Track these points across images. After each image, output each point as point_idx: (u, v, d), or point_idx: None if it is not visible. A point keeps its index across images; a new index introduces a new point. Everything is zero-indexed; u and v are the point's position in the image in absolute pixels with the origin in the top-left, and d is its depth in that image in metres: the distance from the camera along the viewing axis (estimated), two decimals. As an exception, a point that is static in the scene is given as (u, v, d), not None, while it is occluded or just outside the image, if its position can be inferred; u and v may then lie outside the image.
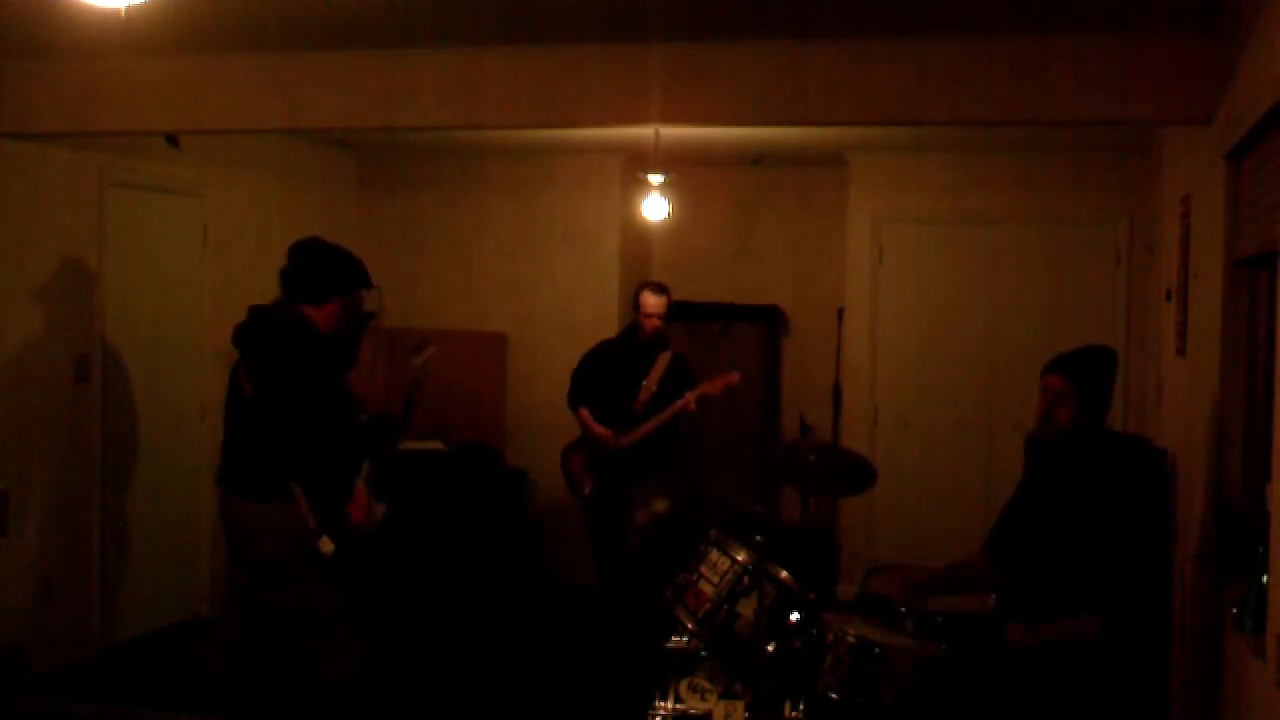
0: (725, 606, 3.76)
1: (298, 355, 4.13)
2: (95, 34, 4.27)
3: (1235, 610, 3.07)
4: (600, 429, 6.12)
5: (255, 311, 4.31)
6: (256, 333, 4.21)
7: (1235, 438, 3.69)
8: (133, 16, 2.88)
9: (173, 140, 6.03)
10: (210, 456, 6.46)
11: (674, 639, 4.01)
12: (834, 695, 3.58)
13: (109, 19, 3.06)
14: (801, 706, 3.64)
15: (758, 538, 3.81)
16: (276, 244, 6.13)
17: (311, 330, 4.22)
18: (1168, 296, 5.08)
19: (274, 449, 4.07)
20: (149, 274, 6.25)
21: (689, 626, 3.81)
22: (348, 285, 4.34)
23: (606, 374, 6.22)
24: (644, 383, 6.15)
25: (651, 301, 6.13)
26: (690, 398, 6.03)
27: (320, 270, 4.30)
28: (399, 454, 4.47)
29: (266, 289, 5.93)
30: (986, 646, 3.75)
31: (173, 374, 6.42)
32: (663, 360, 6.21)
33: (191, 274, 6.53)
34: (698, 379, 6.16)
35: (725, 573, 3.80)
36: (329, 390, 4.22)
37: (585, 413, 6.19)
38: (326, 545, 4.06)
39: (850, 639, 3.61)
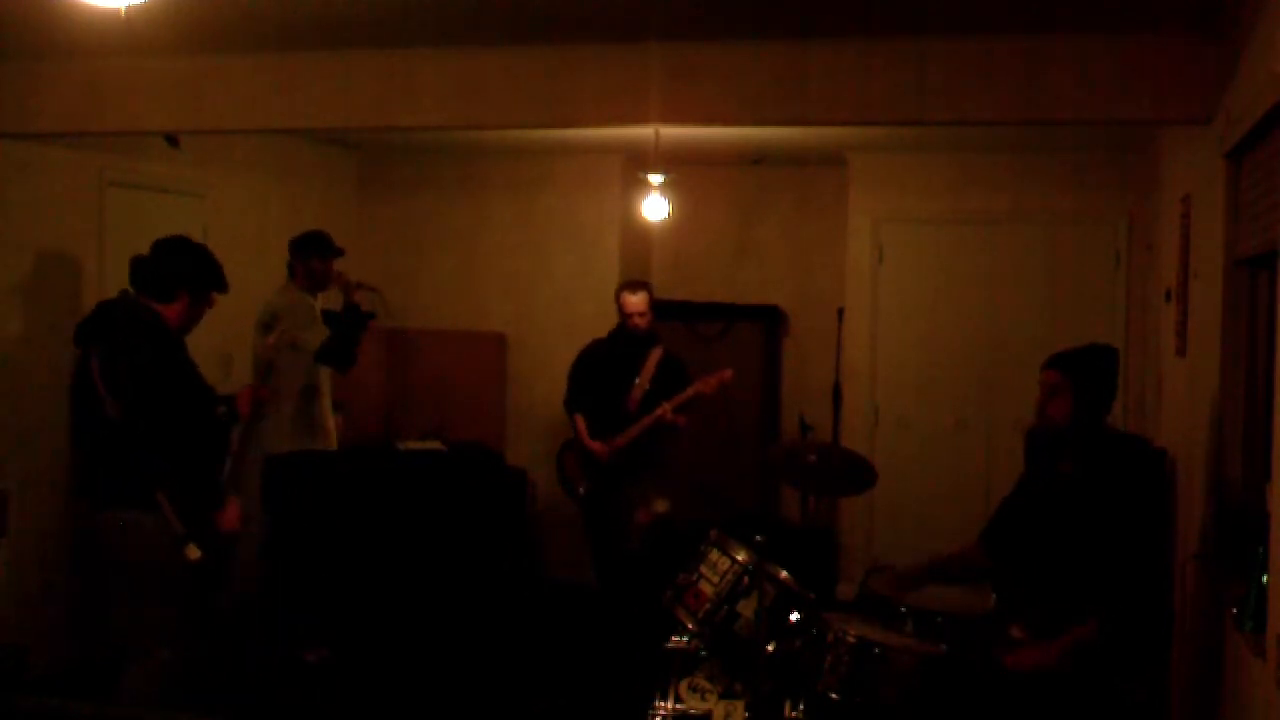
0: (725, 606, 3.76)
1: (150, 350, 4.02)
2: (95, 34, 4.27)
3: (1235, 610, 3.07)
4: (592, 444, 6.12)
5: (102, 307, 4.19)
6: (106, 329, 4.07)
7: (1235, 438, 3.69)
8: (133, 16, 2.88)
9: (173, 140, 6.03)
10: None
11: (674, 639, 4.01)
12: (834, 695, 3.59)
13: (109, 19, 3.06)
14: (801, 706, 3.64)
15: (758, 538, 3.81)
16: (276, 244, 6.16)
17: (161, 325, 4.11)
18: (1168, 296, 5.08)
19: (134, 452, 3.93)
20: (149, 274, 6.24)
21: (689, 626, 3.81)
22: (196, 283, 4.25)
23: (599, 373, 6.23)
24: (636, 380, 6.15)
25: (631, 300, 6.12)
26: (667, 407, 6.03)
27: (171, 266, 4.21)
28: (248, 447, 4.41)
29: (267, 289, 5.98)
30: (986, 646, 3.75)
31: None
32: (654, 356, 6.21)
33: (191, 274, 6.51)
34: (691, 376, 6.16)
35: (725, 573, 3.81)
36: (184, 386, 4.10)
37: (580, 422, 6.20)
38: (193, 552, 3.91)
39: (850, 639, 3.61)
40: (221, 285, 4.37)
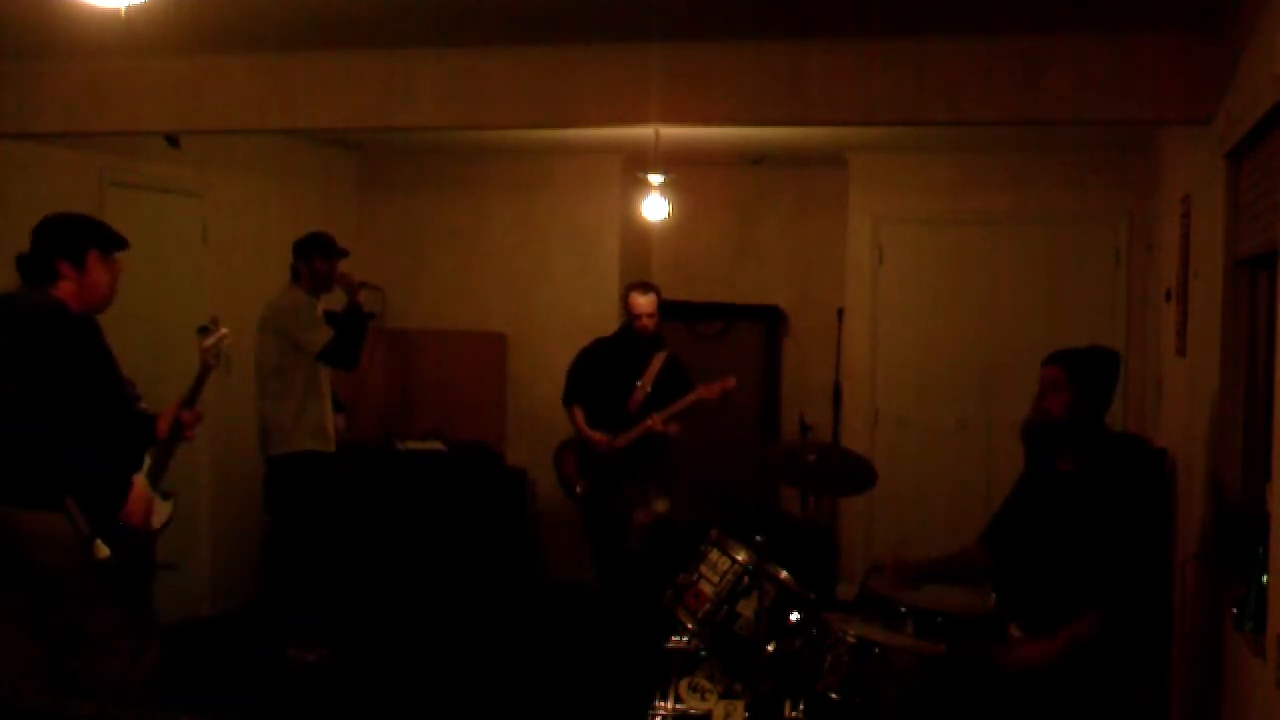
0: (725, 606, 3.76)
1: (47, 342, 3.71)
2: (95, 34, 4.27)
3: (1235, 610, 3.07)
4: (593, 434, 6.11)
5: None
6: (4, 324, 3.78)
7: (1235, 438, 3.69)
8: (133, 16, 2.88)
9: (173, 140, 6.03)
10: (210, 456, 6.51)
11: (674, 639, 4.01)
12: (834, 695, 3.59)
13: (109, 19, 3.06)
14: (801, 706, 3.64)
15: (758, 538, 3.81)
16: (276, 244, 6.16)
17: (59, 311, 3.76)
18: (1168, 296, 5.08)
19: (36, 449, 3.70)
20: (149, 274, 6.24)
21: (689, 626, 3.81)
22: (71, 251, 3.82)
23: (601, 373, 6.22)
24: (638, 383, 6.14)
25: (641, 301, 6.12)
26: (657, 419, 6.03)
27: (39, 245, 3.83)
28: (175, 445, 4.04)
29: (267, 289, 5.98)
30: (986, 646, 3.75)
31: (171, 374, 6.39)
32: (657, 360, 6.21)
33: (191, 274, 6.52)
34: (694, 380, 6.15)
35: (725, 573, 3.81)
36: (90, 377, 3.77)
37: (579, 413, 6.19)
38: (101, 550, 3.71)
39: (850, 639, 3.62)
40: (106, 242, 3.92)
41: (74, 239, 3.86)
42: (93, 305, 3.89)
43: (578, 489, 6.25)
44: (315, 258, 5.81)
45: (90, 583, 3.77)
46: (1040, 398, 3.82)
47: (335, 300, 6.00)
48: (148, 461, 4.01)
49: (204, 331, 4.18)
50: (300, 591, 5.89)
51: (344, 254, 5.93)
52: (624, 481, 6.10)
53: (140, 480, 3.93)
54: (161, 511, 4.08)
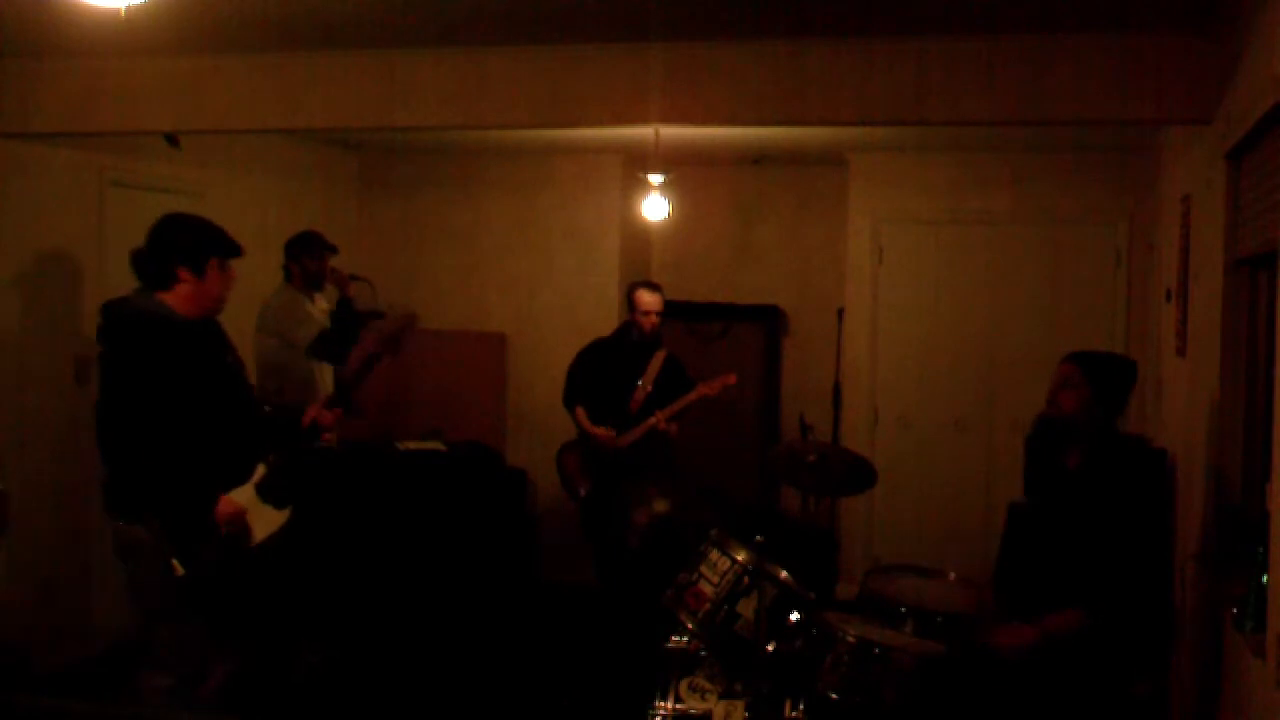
0: (725, 606, 3.76)
1: (145, 353, 3.72)
2: (95, 34, 4.27)
3: (1235, 610, 3.07)
4: (598, 430, 6.12)
5: (108, 308, 3.87)
6: (109, 331, 3.82)
7: (1235, 438, 3.69)
8: (133, 16, 2.88)
9: (173, 140, 6.03)
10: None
11: (674, 639, 4.01)
12: (834, 695, 3.59)
13: (109, 19, 3.06)
14: (801, 706, 3.64)
15: (758, 538, 3.81)
16: (276, 244, 6.15)
17: (164, 320, 3.77)
18: (1168, 296, 5.08)
19: (123, 460, 3.74)
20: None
21: (689, 626, 3.81)
22: (192, 257, 3.84)
23: (601, 373, 6.22)
24: (639, 382, 6.14)
25: (648, 299, 6.13)
26: (660, 416, 6.03)
27: (159, 246, 3.85)
28: (306, 452, 4.03)
29: (267, 289, 5.98)
30: (984, 646, 3.76)
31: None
32: (657, 359, 6.21)
33: (191, 274, 6.51)
34: (693, 378, 6.15)
35: (725, 573, 3.81)
36: (192, 385, 3.77)
37: (581, 413, 6.19)
38: (176, 568, 3.73)
39: (850, 639, 3.62)
40: (225, 250, 3.94)
41: (197, 246, 3.89)
42: (206, 310, 3.92)
43: (580, 490, 6.24)
44: (304, 256, 5.90)
45: (161, 596, 3.79)
46: (1054, 391, 3.83)
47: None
48: (260, 471, 3.98)
49: (374, 317, 4.10)
50: (300, 591, 5.88)
51: (332, 250, 5.98)
52: (624, 481, 6.10)
53: (236, 493, 3.90)
54: (270, 522, 4.02)
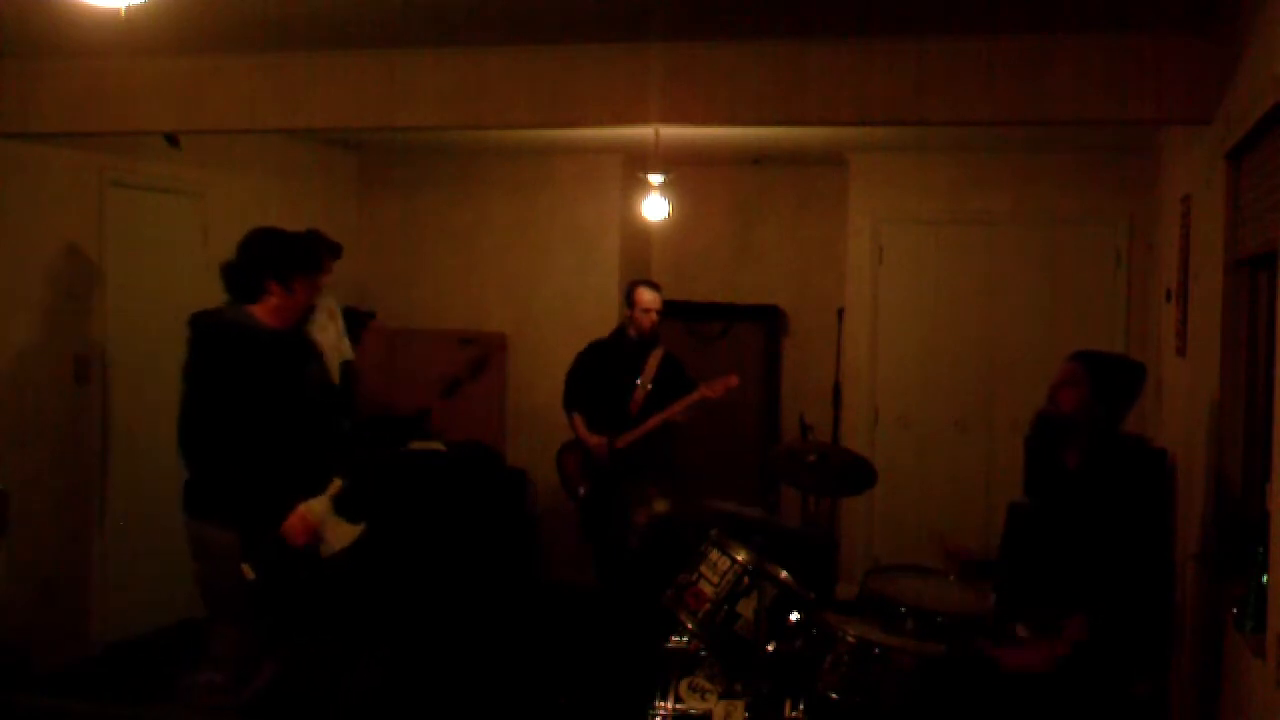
0: (725, 606, 3.76)
1: (229, 363, 3.86)
2: (95, 34, 4.27)
3: (1235, 610, 3.07)
4: (592, 439, 6.11)
5: (196, 319, 4.01)
6: (197, 342, 3.96)
7: (1235, 438, 3.69)
8: (133, 16, 2.88)
9: (173, 140, 6.03)
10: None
11: (674, 639, 4.01)
12: (834, 695, 3.59)
13: (109, 19, 3.06)
14: (801, 706, 3.64)
15: (758, 538, 3.81)
16: (276, 244, 6.16)
17: (250, 333, 3.91)
18: (1168, 296, 5.08)
19: (198, 461, 3.85)
20: (149, 274, 6.25)
21: (689, 626, 3.81)
22: (280, 270, 3.99)
23: (600, 375, 6.22)
24: (638, 381, 6.14)
25: (648, 297, 6.13)
26: (676, 408, 6.03)
27: (247, 260, 3.99)
28: (385, 466, 4.17)
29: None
30: (987, 646, 3.75)
31: (172, 374, 6.39)
32: (655, 358, 6.21)
33: (191, 274, 6.51)
34: (694, 379, 6.15)
35: (725, 573, 3.81)
36: (272, 397, 3.89)
37: (579, 420, 6.19)
38: (247, 571, 3.82)
39: (850, 639, 3.62)
40: (309, 267, 4.09)
41: (287, 263, 4.03)
42: (289, 321, 4.07)
43: (580, 490, 6.24)
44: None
45: (229, 598, 3.88)
46: (1056, 388, 3.82)
47: (345, 297, 6.00)
48: (336, 483, 4.04)
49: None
50: (299, 591, 5.88)
51: (335, 251, 5.99)
52: (624, 482, 6.10)
53: (311, 503, 3.96)
54: (344, 535, 4.10)
